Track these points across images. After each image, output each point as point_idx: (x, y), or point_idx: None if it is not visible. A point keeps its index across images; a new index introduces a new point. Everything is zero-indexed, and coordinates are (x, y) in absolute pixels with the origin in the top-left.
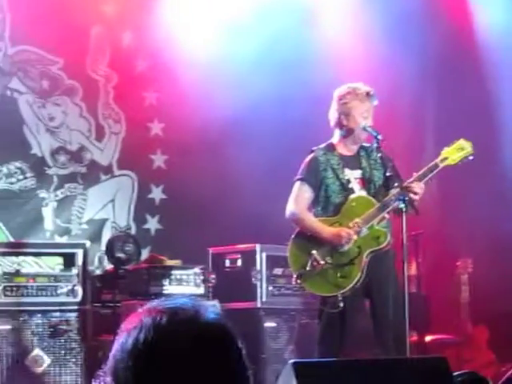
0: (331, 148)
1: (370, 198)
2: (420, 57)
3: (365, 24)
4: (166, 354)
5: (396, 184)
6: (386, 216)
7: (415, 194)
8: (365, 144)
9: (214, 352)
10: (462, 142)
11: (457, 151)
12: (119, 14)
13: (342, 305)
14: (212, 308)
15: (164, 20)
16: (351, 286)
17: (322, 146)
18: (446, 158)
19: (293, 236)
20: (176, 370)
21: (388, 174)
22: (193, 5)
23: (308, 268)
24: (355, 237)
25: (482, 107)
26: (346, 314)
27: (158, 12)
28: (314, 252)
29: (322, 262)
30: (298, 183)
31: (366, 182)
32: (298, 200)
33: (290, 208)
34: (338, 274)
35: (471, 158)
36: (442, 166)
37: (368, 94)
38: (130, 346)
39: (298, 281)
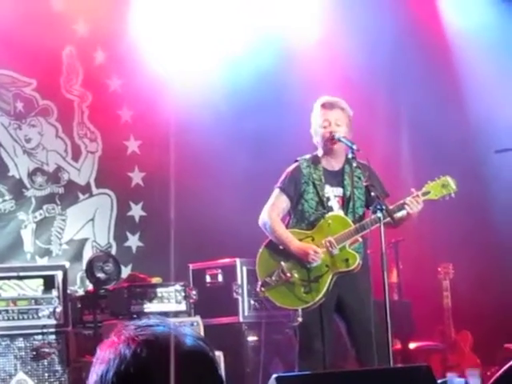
0: (316, 160)
1: (347, 218)
2: (391, 72)
3: (333, 31)
4: None
5: (378, 205)
6: (360, 240)
7: (410, 210)
8: (354, 157)
9: (196, 382)
10: (447, 179)
11: (441, 187)
12: (91, 33)
13: (300, 320)
14: (189, 331)
15: (136, 37)
16: (313, 302)
17: (307, 156)
18: (428, 192)
19: (264, 243)
20: None
21: (372, 194)
22: (164, 21)
23: (274, 278)
24: (322, 255)
25: (454, 101)
26: (323, 324)
27: (130, 30)
28: (282, 263)
29: (289, 275)
30: (276, 191)
31: (345, 201)
32: (273, 208)
33: (264, 216)
34: (302, 289)
35: (453, 195)
36: (422, 199)
37: (324, 104)
38: (110, 381)
39: (262, 288)
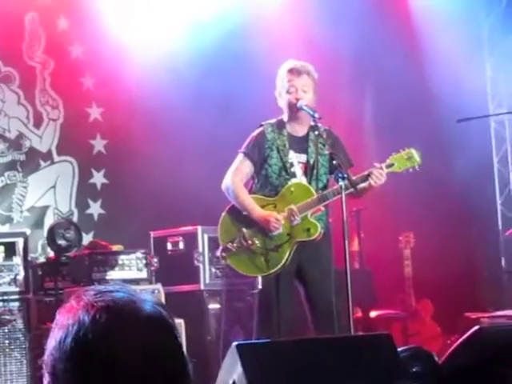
0: (281, 125)
1: (310, 187)
2: (356, 39)
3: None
4: (108, 354)
5: (340, 173)
6: (322, 209)
7: (373, 182)
8: (317, 125)
9: (155, 349)
10: (411, 152)
11: (405, 160)
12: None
13: (259, 287)
14: (149, 298)
15: (98, 4)
16: (273, 271)
17: (273, 121)
18: (392, 164)
19: (227, 208)
20: (118, 371)
21: (334, 162)
22: None
23: (235, 244)
24: (283, 222)
25: (418, 70)
26: (279, 293)
27: None
28: (243, 230)
29: (250, 242)
30: (240, 156)
31: (309, 168)
32: (237, 173)
33: (227, 180)
34: (263, 258)
35: (418, 168)
36: (386, 171)
37: (291, 70)
38: (68, 346)
39: (223, 254)
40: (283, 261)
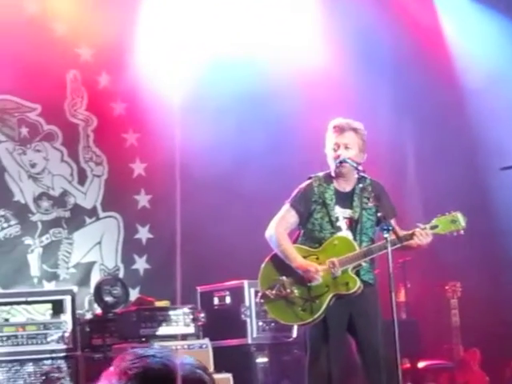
0: (328, 179)
1: (353, 242)
2: (394, 85)
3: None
4: None
5: (385, 225)
6: (363, 264)
7: (419, 241)
8: (363, 177)
9: None
10: (457, 215)
11: (450, 223)
12: (94, 57)
13: (294, 336)
14: (190, 361)
15: (140, 60)
16: (309, 321)
17: (321, 174)
18: (436, 226)
19: (269, 256)
20: None
21: (379, 214)
22: (168, 44)
23: (274, 291)
24: (323, 273)
25: (461, 134)
26: (329, 346)
27: (134, 52)
28: (283, 278)
29: (288, 291)
30: (286, 206)
31: (353, 223)
32: (281, 223)
33: (271, 229)
34: (300, 307)
35: (462, 232)
36: (430, 232)
37: (334, 127)
38: None
39: (261, 300)
40: (320, 311)
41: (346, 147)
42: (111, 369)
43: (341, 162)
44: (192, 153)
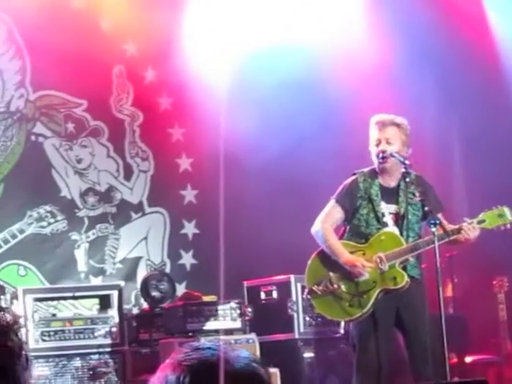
0: (373, 175)
1: (400, 237)
2: (440, 78)
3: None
4: None
5: (432, 219)
6: (410, 259)
7: (466, 236)
8: (408, 171)
9: None
10: (504, 210)
11: (497, 217)
12: (140, 52)
13: (342, 331)
14: (244, 354)
15: (185, 54)
16: (357, 316)
17: (366, 170)
18: (483, 221)
19: (316, 252)
20: None
21: (426, 208)
22: (213, 37)
23: (321, 287)
24: (370, 271)
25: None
26: (378, 341)
27: (179, 47)
28: (330, 274)
29: (335, 286)
30: (332, 202)
31: (399, 218)
32: (328, 219)
33: (317, 225)
34: (347, 303)
35: (509, 226)
36: (477, 227)
37: (376, 123)
38: None
39: (309, 296)
40: (368, 306)
41: (388, 142)
42: (167, 362)
43: (384, 157)
44: (239, 144)
